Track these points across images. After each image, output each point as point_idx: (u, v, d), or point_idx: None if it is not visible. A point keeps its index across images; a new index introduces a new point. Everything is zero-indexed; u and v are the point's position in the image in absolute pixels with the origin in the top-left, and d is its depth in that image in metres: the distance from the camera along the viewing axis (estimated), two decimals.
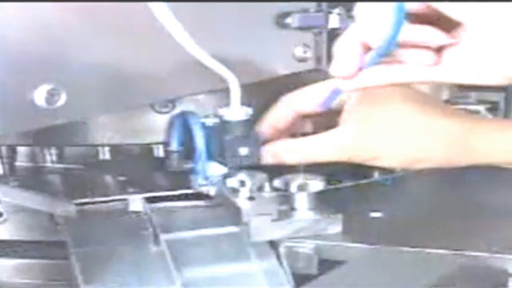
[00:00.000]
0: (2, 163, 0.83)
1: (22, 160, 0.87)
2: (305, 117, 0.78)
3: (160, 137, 0.82)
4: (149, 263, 0.69)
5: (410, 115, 0.73)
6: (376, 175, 0.82)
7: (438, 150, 0.73)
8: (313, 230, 0.71)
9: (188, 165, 0.80)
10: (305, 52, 0.80)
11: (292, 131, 0.78)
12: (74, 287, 0.66)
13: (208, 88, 0.76)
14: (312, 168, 0.74)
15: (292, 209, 0.72)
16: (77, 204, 0.75)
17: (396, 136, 0.72)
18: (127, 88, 0.72)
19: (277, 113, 0.78)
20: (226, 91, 0.73)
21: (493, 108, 1.00)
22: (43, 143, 0.85)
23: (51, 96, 0.67)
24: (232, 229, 0.72)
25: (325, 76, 0.74)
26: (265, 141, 0.76)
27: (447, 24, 0.62)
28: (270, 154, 0.75)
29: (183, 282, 0.66)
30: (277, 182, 0.74)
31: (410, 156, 0.73)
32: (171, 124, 0.81)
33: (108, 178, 0.84)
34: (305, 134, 0.78)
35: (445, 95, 0.94)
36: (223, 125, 0.74)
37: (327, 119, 0.76)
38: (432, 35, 0.62)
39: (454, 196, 0.83)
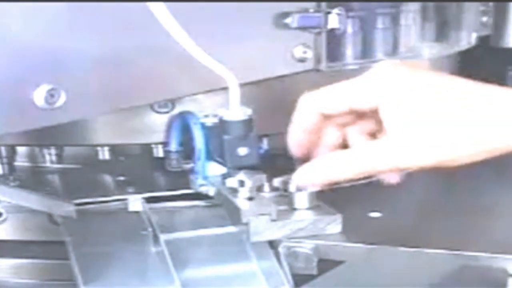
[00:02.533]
0: (2, 163, 0.83)
1: (21, 160, 0.87)
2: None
3: (160, 137, 0.83)
4: (149, 263, 0.69)
5: (461, 97, 0.67)
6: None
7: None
8: (313, 230, 0.71)
9: (188, 165, 0.80)
10: (304, 52, 0.80)
11: (327, 138, 0.75)
12: (74, 287, 0.66)
13: (208, 88, 0.76)
14: None
15: (292, 209, 0.72)
16: (76, 204, 0.75)
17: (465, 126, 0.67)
18: (126, 88, 0.72)
19: (304, 116, 0.73)
20: (225, 91, 0.73)
21: None
22: (42, 143, 0.85)
23: (51, 96, 0.67)
24: (232, 229, 0.72)
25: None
26: (304, 149, 0.74)
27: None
28: (320, 170, 0.70)
29: (182, 282, 0.66)
30: (276, 182, 0.74)
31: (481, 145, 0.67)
32: (170, 124, 0.81)
33: (108, 178, 0.84)
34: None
35: None
36: (223, 125, 0.74)
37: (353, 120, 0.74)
38: None
39: (454, 196, 0.83)
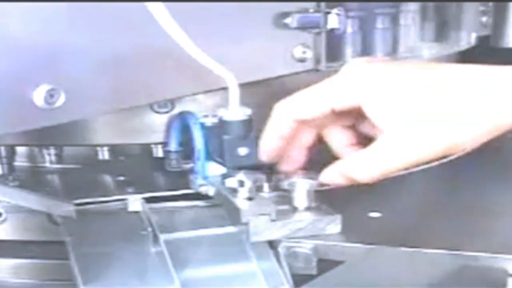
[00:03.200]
0: (2, 163, 0.83)
1: (21, 160, 0.87)
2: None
3: (159, 137, 0.83)
4: (149, 263, 0.69)
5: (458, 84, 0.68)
6: None
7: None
8: (312, 230, 0.71)
9: (187, 165, 0.80)
10: (304, 52, 0.80)
11: (302, 140, 0.75)
12: (74, 287, 0.66)
13: (207, 88, 0.76)
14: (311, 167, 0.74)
15: (292, 209, 0.72)
16: (76, 204, 0.75)
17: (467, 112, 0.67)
18: (126, 88, 0.72)
19: (278, 123, 0.73)
20: (225, 91, 0.73)
21: None
22: (42, 143, 0.85)
23: (51, 96, 0.67)
24: (231, 229, 0.72)
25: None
26: (275, 154, 0.74)
27: None
28: (339, 175, 0.71)
29: (182, 282, 0.66)
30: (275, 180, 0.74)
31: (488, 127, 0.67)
32: (170, 124, 0.81)
33: (107, 178, 0.84)
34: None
35: None
36: (222, 125, 0.74)
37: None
38: None
39: (454, 196, 0.82)
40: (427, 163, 0.71)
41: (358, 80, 0.69)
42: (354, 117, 0.73)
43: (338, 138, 0.75)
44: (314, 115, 0.72)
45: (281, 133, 0.73)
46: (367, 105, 0.69)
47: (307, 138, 0.75)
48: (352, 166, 0.70)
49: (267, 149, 0.74)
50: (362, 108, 0.69)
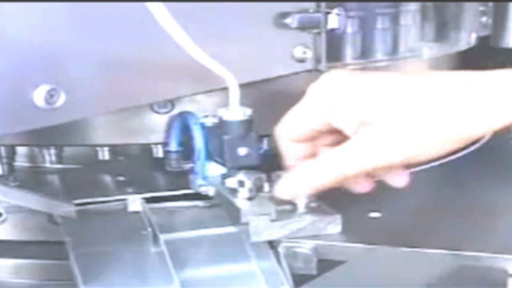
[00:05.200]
0: (2, 163, 0.83)
1: (21, 161, 0.87)
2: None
3: (159, 137, 0.82)
4: (148, 263, 0.69)
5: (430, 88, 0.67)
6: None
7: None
8: (312, 230, 0.71)
9: (187, 165, 0.80)
10: (304, 52, 0.80)
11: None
12: (74, 287, 0.66)
13: (207, 88, 0.76)
14: None
15: (292, 209, 0.72)
16: (76, 204, 0.75)
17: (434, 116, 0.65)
18: (126, 88, 0.72)
19: (285, 147, 0.73)
20: (225, 91, 0.73)
21: None
22: (42, 143, 0.85)
23: (51, 96, 0.67)
24: (231, 229, 0.72)
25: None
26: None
27: None
28: (296, 181, 0.71)
29: (182, 282, 0.66)
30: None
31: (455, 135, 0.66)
32: (170, 124, 0.81)
33: (107, 178, 0.84)
34: None
35: None
36: (222, 125, 0.74)
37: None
38: None
39: (454, 196, 0.82)
40: (388, 168, 0.70)
41: (322, 99, 0.70)
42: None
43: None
44: (302, 136, 0.72)
45: (293, 155, 0.73)
46: (334, 119, 0.69)
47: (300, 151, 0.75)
48: (307, 173, 0.70)
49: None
50: (332, 124, 0.69)
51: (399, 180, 0.73)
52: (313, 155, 0.73)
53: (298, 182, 0.71)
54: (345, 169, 0.68)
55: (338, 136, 0.71)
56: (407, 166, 0.73)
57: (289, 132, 0.73)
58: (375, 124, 0.67)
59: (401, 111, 0.66)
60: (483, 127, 0.65)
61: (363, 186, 0.74)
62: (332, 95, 0.69)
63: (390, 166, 0.69)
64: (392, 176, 0.72)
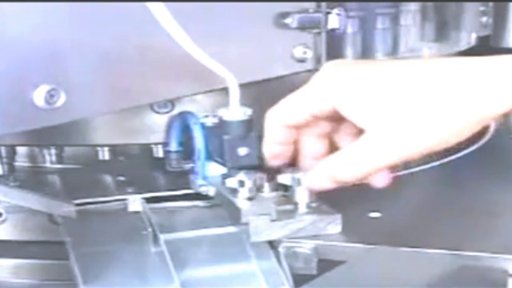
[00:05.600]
0: (2, 163, 0.83)
1: (21, 160, 0.87)
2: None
3: (160, 137, 0.83)
4: (149, 263, 0.69)
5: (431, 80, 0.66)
6: None
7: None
8: (313, 230, 0.71)
9: (188, 165, 0.80)
10: (304, 52, 0.80)
11: (303, 144, 0.74)
12: (74, 287, 0.66)
13: (208, 88, 0.76)
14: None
15: (292, 209, 0.72)
16: (76, 204, 0.75)
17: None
18: (126, 88, 0.72)
19: (271, 130, 0.73)
20: (225, 91, 0.73)
21: None
22: (42, 143, 0.85)
23: (51, 96, 0.67)
24: (232, 229, 0.72)
25: None
26: (282, 159, 0.74)
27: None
28: (326, 177, 0.70)
29: (182, 282, 0.66)
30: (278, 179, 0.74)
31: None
32: (170, 124, 0.81)
33: (108, 178, 0.84)
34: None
35: None
36: (223, 125, 0.74)
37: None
38: None
39: (454, 196, 0.82)
40: (411, 159, 0.69)
41: (330, 84, 0.69)
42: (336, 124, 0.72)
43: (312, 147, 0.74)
44: (297, 120, 0.71)
45: (276, 139, 0.73)
46: (343, 107, 0.68)
47: (312, 148, 0.74)
48: (337, 167, 0.69)
49: (268, 155, 0.74)
50: (339, 111, 0.68)
51: (380, 180, 0.72)
52: (294, 143, 0.73)
53: (330, 173, 0.70)
54: (367, 164, 0.68)
55: (335, 125, 0.71)
56: (405, 167, 0.73)
57: (285, 115, 0.72)
58: (391, 116, 0.66)
59: (413, 101, 0.66)
60: (497, 108, 0.65)
61: (382, 180, 0.73)
62: (341, 80, 0.68)
63: (412, 158, 0.68)
64: (374, 176, 0.72)
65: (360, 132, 0.69)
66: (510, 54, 0.65)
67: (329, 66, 0.70)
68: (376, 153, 0.67)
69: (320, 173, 0.70)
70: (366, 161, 0.68)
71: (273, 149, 0.73)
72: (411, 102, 0.66)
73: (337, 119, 0.71)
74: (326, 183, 0.70)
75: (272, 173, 0.75)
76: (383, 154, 0.67)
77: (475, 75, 0.65)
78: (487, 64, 0.66)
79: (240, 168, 0.74)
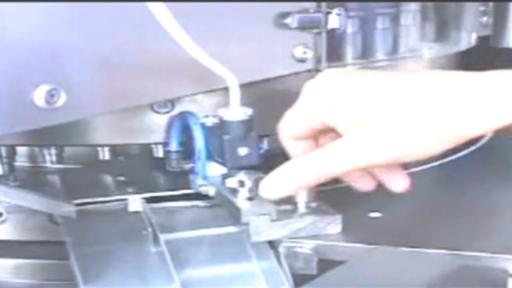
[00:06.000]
0: (2, 163, 0.83)
1: (21, 160, 0.87)
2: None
3: (160, 137, 0.82)
4: (149, 263, 0.69)
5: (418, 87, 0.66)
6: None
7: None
8: (313, 230, 0.71)
9: (188, 165, 0.80)
10: (304, 52, 0.80)
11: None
12: (74, 287, 0.66)
13: (208, 88, 0.76)
14: None
15: (292, 209, 0.72)
16: (76, 204, 0.75)
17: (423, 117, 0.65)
18: (126, 88, 0.72)
19: (284, 144, 0.73)
20: (225, 91, 0.73)
21: None
22: (42, 143, 0.85)
23: (51, 96, 0.67)
24: (232, 229, 0.72)
25: None
26: None
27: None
28: (282, 179, 0.70)
29: (182, 282, 0.66)
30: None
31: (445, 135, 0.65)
32: (170, 124, 0.81)
33: (108, 178, 0.84)
34: None
35: None
36: (223, 125, 0.74)
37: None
38: None
39: (454, 196, 0.83)
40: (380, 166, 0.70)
41: (317, 98, 0.69)
42: None
43: None
44: (300, 133, 0.72)
45: (293, 151, 0.73)
46: (328, 117, 0.69)
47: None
48: (293, 171, 0.69)
49: None
50: (326, 123, 0.69)
51: (398, 184, 0.72)
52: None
53: (282, 181, 0.70)
54: (330, 168, 0.68)
55: (336, 135, 0.71)
56: (405, 167, 0.73)
57: (289, 130, 0.73)
58: (364, 123, 0.66)
59: (389, 110, 0.66)
60: (473, 128, 0.65)
61: (365, 185, 0.74)
62: (326, 94, 0.69)
63: (378, 166, 0.69)
64: (391, 180, 0.72)
65: None
66: (498, 71, 0.65)
67: (320, 78, 0.70)
68: (335, 159, 0.68)
69: (273, 181, 0.70)
70: (333, 162, 0.68)
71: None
72: (386, 110, 0.66)
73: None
74: (281, 191, 0.70)
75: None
76: (350, 157, 0.67)
77: (459, 92, 0.65)
78: (474, 81, 0.65)
79: (240, 168, 0.74)
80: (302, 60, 0.80)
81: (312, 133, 0.72)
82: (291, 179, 0.70)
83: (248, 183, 0.72)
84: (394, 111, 0.66)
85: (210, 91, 0.77)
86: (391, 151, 0.66)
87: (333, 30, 0.80)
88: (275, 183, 0.70)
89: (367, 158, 0.67)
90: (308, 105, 0.70)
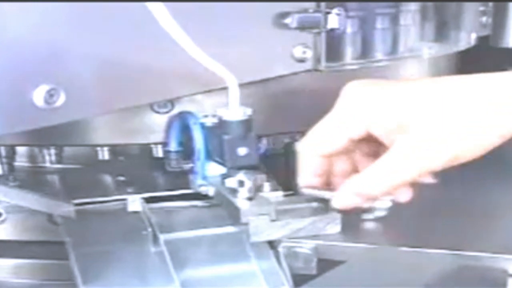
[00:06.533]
0: (2, 163, 0.83)
1: (21, 160, 0.87)
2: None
3: (159, 137, 0.82)
4: (148, 263, 0.69)
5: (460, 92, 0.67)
6: None
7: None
8: (312, 230, 0.71)
9: (187, 165, 0.80)
10: (304, 52, 0.79)
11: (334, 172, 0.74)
12: (74, 287, 0.66)
13: (207, 88, 0.76)
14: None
15: (291, 209, 0.72)
16: (76, 204, 0.75)
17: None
18: (126, 88, 0.72)
19: (309, 163, 0.73)
20: (225, 91, 0.73)
21: None
22: (42, 143, 0.85)
23: (50, 96, 0.67)
24: (231, 229, 0.72)
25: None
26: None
27: None
28: (353, 194, 0.70)
29: (182, 282, 0.66)
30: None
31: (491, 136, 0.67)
32: (170, 124, 0.81)
33: (107, 178, 0.84)
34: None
35: None
36: (222, 125, 0.74)
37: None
38: None
39: (454, 196, 0.82)
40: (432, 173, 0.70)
41: (362, 107, 0.69)
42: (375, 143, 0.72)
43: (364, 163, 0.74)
44: (335, 149, 0.71)
45: (314, 171, 0.73)
46: (376, 128, 0.69)
47: (341, 166, 0.74)
48: (365, 183, 0.69)
49: (303, 186, 0.73)
50: (370, 131, 0.69)
51: (403, 195, 0.72)
52: (330, 172, 0.73)
53: (355, 192, 0.70)
54: (397, 176, 0.68)
55: (375, 146, 0.71)
56: None
57: (322, 145, 0.72)
58: (416, 128, 0.67)
59: (441, 113, 0.66)
60: None
61: (406, 195, 0.73)
62: (368, 103, 0.69)
63: (436, 169, 0.69)
64: (398, 191, 0.72)
65: (375, 152, 0.71)
66: None
67: (353, 88, 0.70)
68: (401, 168, 0.68)
69: (348, 192, 0.70)
70: (392, 175, 0.68)
71: (310, 181, 0.73)
72: (437, 113, 0.67)
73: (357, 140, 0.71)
74: (353, 200, 0.70)
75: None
76: (407, 168, 0.68)
77: (500, 92, 0.66)
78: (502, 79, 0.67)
79: (240, 168, 0.74)
80: (301, 60, 0.80)
81: (347, 146, 0.71)
82: (364, 190, 0.69)
83: (248, 183, 0.72)
84: (446, 113, 0.66)
85: (210, 91, 0.77)
86: (449, 152, 0.67)
87: (332, 30, 0.80)
88: (346, 195, 0.70)
89: (427, 161, 0.67)
90: (348, 114, 0.70)
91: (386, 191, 0.69)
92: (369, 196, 0.70)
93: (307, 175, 0.73)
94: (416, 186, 0.71)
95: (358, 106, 0.69)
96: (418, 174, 0.68)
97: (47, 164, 0.88)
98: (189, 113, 0.79)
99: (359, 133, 0.70)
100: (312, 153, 0.72)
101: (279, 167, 0.80)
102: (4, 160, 0.83)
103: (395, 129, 0.67)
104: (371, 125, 0.69)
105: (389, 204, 0.73)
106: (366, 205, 0.72)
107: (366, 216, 0.74)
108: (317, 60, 0.81)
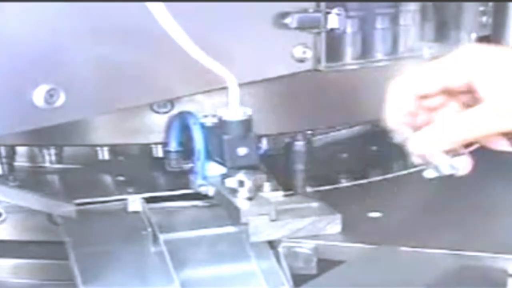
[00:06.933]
0: (2, 163, 0.83)
1: (21, 160, 0.87)
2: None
3: (159, 137, 0.82)
4: (148, 263, 0.69)
5: None
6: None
7: None
8: (312, 230, 0.71)
9: (187, 165, 0.80)
10: (304, 52, 0.79)
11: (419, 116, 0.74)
12: (74, 287, 0.66)
13: (207, 88, 0.76)
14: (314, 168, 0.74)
15: (291, 209, 0.72)
16: (76, 204, 0.75)
17: None
18: (126, 88, 0.72)
19: (401, 99, 0.72)
20: (225, 91, 0.73)
21: None
22: (42, 143, 0.85)
23: (50, 96, 0.67)
24: (231, 229, 0.72)
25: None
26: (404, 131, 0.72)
27: None
28: (431, 138, 0.70)
29: (182, 282, 0.66)
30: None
31: None
32: (170, 124, 0.81)
33: (107, 178, 0.84)
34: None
35: None
36: (222, 125, 0.74)
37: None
38: None
39: (455, 196, 0.82)
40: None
41: (469, 59, 0.70)
42: (464, 103, 0.73)
43: None
44: (430, 90, 0.71)
45: (404, 109, 0.72)
46: (477, 81, 0.69)
47: (421, 120, 0.74)
48: (443, 128, 0.70)
49: (394, 125, 0.73)
50: (472, 84, 0.69)
51: (499, 144, 0.73)
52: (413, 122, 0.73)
53: (432, 138, 0.70)
54: (477, 128, 0.69)
55: (468, 97, 0.71)
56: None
57: (417, 85, 0.71)
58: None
59: None
60: None
61: (500, 144, 0.73)
62: (477, 58, 0.69)
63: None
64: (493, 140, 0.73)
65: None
66: None
67: (471, 45, 0.72)
68: (492, 117, 0.68)
69: (426, 135, 0.70)
70: (483, 123, 0.69)
71: (399, 120, 0.72)
72: None
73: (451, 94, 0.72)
74: (428, 145, 0.70)
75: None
76: (498, 120, 0.68)
77: None
78: None
79: (240, 168, 0.74)
80: (301, 60, 0.80)
81: (437, 93, 0.72)
82: (441, 136, 0.70)
83: (248, 183, 0.72)
84: None
85: (210, 91, 0.77)
86: None
87: (332, 30, 0.80)
88: (425, 140, 0.70)
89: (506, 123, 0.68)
90: (456, 63, 0.70)
91: (463, 141, 0.70)
92: (444, 143, 0.70)
93: (395, 110, 0.72)
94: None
95: (465, 60, 0.70)
96: (507, 127, 0.69)
97: (47, 164, 0.88)
98: (189, 113, 0.79)
99: (455, 83, 0.70)
100: (406, 90, 0.72)
101: (279, 167, 0.80)
102: (4, 160, 0.83)
103: (493, 87, 0.68)
104: (474, 78, 0.69)
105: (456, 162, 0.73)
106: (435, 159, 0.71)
107: (427, 174, 0.73)
108: (317, 60, 0.81)
